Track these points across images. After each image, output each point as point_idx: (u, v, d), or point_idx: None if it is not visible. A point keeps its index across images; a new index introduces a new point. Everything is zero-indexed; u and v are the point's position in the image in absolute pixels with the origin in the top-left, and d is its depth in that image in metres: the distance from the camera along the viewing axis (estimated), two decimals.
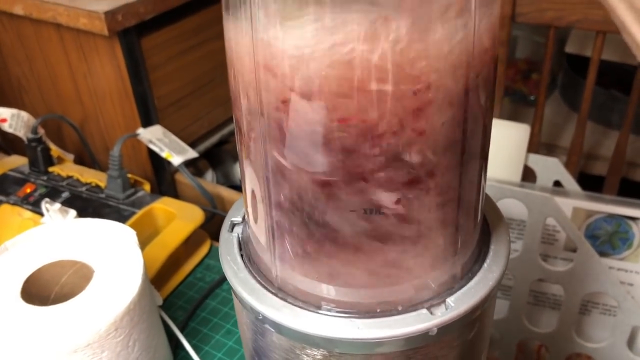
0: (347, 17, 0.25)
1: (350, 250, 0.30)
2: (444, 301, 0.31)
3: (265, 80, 0.28)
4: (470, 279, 0.32)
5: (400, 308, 0.31)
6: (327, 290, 0.31)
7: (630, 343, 0.74)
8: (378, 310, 0.31)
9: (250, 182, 0.33)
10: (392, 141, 0.27)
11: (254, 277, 0.34)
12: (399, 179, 0.28)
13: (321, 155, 0.28)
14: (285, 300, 0.32)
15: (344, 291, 0.31)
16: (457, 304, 0.31)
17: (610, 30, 0.93)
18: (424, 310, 0.30)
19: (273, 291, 0.33)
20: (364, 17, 0.25)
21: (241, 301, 0.34)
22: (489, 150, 0.33)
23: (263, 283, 0.34)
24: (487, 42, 0.28)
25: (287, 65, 0.27)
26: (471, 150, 0.30)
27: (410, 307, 0.31)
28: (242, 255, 0.35)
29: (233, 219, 0.37)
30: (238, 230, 0.37)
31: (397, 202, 0.29)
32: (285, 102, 0.27)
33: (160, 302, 0.56)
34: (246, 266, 0.34)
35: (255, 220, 0.34)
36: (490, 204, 0.36)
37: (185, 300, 0.64)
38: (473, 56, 0.27)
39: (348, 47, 0.25)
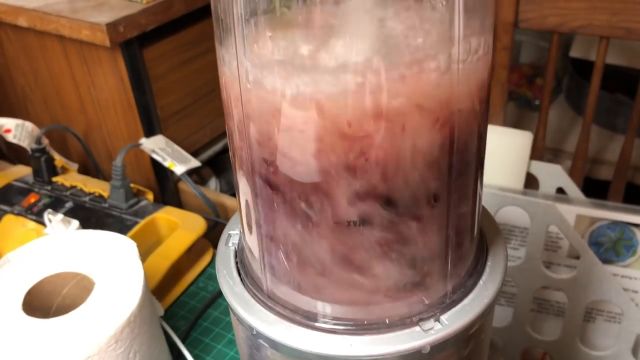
0: None
1: (338, 266, 0.30)
2: (438, 318, 0.31)
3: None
4: (465, 295, 0.31)
5: (393, 325, 0.31)
6: (320, 306, 0.31)
7: (635, 351, 0.74)
8: (371, 327, 0.31)
9: (244, 194, 0.33)
10: (381, 160, 0.27)
11: (249, 291, 0.34)
12: (386, 196, 0.28)
13: (309, 166, 0.28)
14: (279, 315, 0.32)
15: (336, 307, 0.31)
16: (451, 321, 0.31)
17: (613, 35, 0.93)
18: (417, 328, 0.30)
19: (268, 305, 0.33)
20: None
21: (237, 316, 0.34)
22: (484, 161, 0.33)
23: (258, 296, 0.34)
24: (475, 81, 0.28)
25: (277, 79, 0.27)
26: (465, 164, 0.30)
27: (404, 324, 0.31)
28: (238, 269, 0.36)
29: (230, 231, 0.37)
30: (234, 241, 0.37)
31: (386, 217, 0.29)
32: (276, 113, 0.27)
33: (161, 312, 0.57)
34: (242, 280, 0.35)
35: (250, 231, 0.34)
36: (487, 217, 0.36)
37: (187, 310, 0.65)
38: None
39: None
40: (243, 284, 0.35)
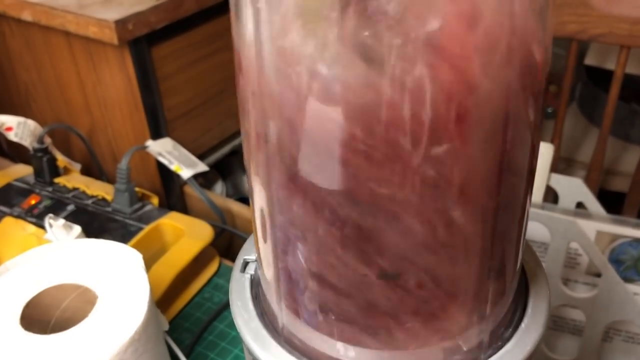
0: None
1: (364, 311, 0.27)
2: None
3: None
4: (508, 339, 0.28)
5: None
6: (343, 349, 0.28)
7: None
8: None
9: (259, 201, 0.30)
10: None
11: (265, 326, 0.31)
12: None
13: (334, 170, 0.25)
14: (295, 355, 0.29)
15: (359, 351, 0.28)
16: None
17: (634, 44, 0.90)
18: None
19: (283, 344, 0.30)
20: None
21: (251, 353, 0.31)
22: (533, 182, 0.30)
23: (273, 332, 0.31)
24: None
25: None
26: (515, 183, 0.27)
27: None
28: (253, 301, 0.33)
29: (246, 257, 0.34)
30: (250, 270, 0.34)
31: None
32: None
33: (166, 327, 0.54)
34: (257, 314, 0.31)
35: (265, 240, 0.31)
36: (529, 250, 0.33)
37: (192, 323, 0.62)
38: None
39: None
40: (259, 318, 0.32)
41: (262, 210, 0.29)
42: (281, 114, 0.25)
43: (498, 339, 0.29)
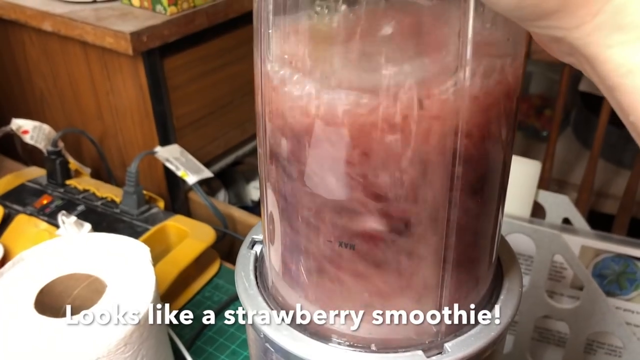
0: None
1: (355, 284, 0.31)
2: (442, 345, 0.31)
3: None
4: (475, 324, 0.32)
5: (399, 347, 0.31)
6: (332, 321, 0.32)
7: None
8: (375, 348, 0.31)
9: (270, 205, 0.34)
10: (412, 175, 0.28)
11: (263, 297, 0.35)
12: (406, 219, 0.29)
13: (337, 182, 0.29)
14: (290, 324, 0.33)
15: (347, 326, 0.32)
16: (454, 349, 0.31)
17: None
18: (419, 352, 0.31)
19: (279, 312, 0.34)
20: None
21: (247, 318, 0.35)
22: (506, 190, 0.34)
23: (270, 302, 0.35)
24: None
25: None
26: (489, 190, 0.31)
27: (410, 345, 0.31)
28: (255, 274, 0.36)
29: (254, 236, 0.38)
30: (257, 249, 0.38)
31: (406, 230, 0.29)
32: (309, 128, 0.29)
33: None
34: (257, 284, 0.35)
35: (272, 242, 0.35)
36: (506, 248, 0.36)
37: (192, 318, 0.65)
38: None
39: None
40: (257, 288, 0.36)
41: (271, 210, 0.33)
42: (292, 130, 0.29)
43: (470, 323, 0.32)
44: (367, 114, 0.27)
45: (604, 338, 0.79)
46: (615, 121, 1.11)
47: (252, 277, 0.36)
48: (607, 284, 0.76)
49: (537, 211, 0.82)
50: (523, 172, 0.78)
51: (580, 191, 1.05)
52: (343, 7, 0.27)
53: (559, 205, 0.79)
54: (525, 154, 1.38)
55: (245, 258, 0.37)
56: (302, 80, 0.28)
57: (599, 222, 1.01)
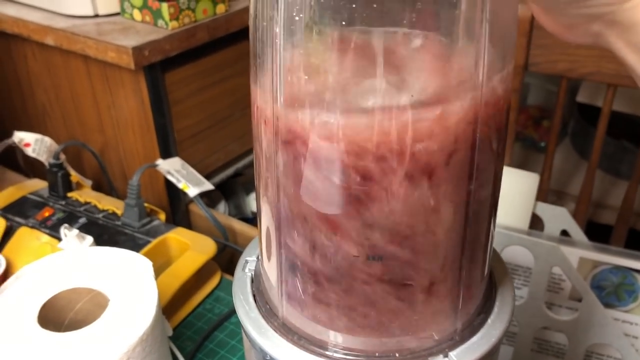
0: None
1: (353, 298, 0.31)
2: (446, 354, 0.32)
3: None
4: (474, 332, 0.33)
5: (402, 357, 0.32)
6: (332, 336, 0.32)
7: None
8: (380, 358, 0.32)
9: (266, 219, 0.34)
10: (406, 189, 0.29)
11: (264, 317, 0.35)
12: (406, 229, 0.30)
13: (333, 198, 0.29)
14: (293, 342, 0.34)
15: (348, 338, 0.32)
16: (459, 357, 0.32)
17: (621, 83, 0.95)
18: None
19: (282, 331, 0.34)
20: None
21: (250, 340, 0.35)
22: (497, 204, 0.34)
23: (272, 322, 0.35)
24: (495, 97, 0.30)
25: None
26: (480, 205, 0.31)
27: (413, 358, 0.32)
28: (254, 294, 0.37)
29: (247, 257, 0.39)
30: (251, 267, 0.38)
31: (403, 249, 0.30)
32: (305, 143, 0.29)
33: (170, 332, 0.58)
34: (257, 305, 0.36)
35: (268, 259, 0.35)
36: (497, 258, 0.37)
37: (193, 331, 0.66)
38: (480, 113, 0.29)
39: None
40: (258, 309, 0.36)
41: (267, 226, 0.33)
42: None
43: (468, 332, 0.33)
44: (363, 132, 0.28)
45: (602, 349, 0.79)
46: (613, 132, 1.11)
47: (251, 299, 0.36)
48: (606, 295, 0.77)
49: (535, 223, 0.82)
50: (521, 185, 0.79)
51: (579, 202, 1.06)
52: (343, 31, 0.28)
53: (557, 217, 0.80)
54: (523, 164, 1.39)
55: (242, 281, 0.38)
56: (298, 97, 0.29)
57: (597, 233, 1.02)
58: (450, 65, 0.28)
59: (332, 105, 0.28)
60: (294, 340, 0.33)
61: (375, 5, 0.27)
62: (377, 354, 0.32)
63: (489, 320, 0.33)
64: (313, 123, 0.28)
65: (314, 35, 0.28)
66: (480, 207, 0.31)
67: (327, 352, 0.33)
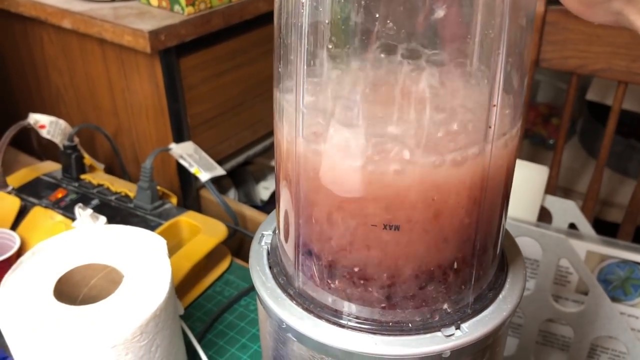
0: None
1: (369, 270, 0.32)
2: (459, 326, 0.33)
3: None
4: (486, 306, 0.33)
5: (416, 328, 0.33)
6: (347, 305, 0.33)
7: None
8: (394, 329, 0.33)
9: (284, 202, 0.35)
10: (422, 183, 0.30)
11: (280, 287, 0.36)
12: (424, 206, 0.30)
13: (351, 181, 0.30)
14: (309, 311, 0.34)
15: (363, 309, 0.33)
16: (471, 329, 0.32)
17: (632, 81, 0.95)
18: (439, 333, 0.32)
19: (298, 301, 0.35)
20: None
21: (266, 309, 0.36)
22: (510, 190, 0.35)
23: (289, 292, 0.36)
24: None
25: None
26: (493, 197, 0.32)
27: (426, 328, 0.33)
28: (270, 266, 0.38)
29: (264, 232, 0.40)
30: (267, 241, 0.39)
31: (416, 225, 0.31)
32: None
33: (182, 311, 0.58)
34: (273, 276, 0.37)
35: (286, 239, 0.36)
36: (510, 239, 0.38)
37: (203, 312, 0.66)
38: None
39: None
40: (275, 280, 0.37)
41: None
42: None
43: (480, 305, 0.34)
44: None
45: (608, 343, 0.79)
46: (622, 131, 1.12)
47: (267, 270, 0.37)
48: (612, 289, 0.77)
49: (544, 216, 0.83)
50: (530, 177, 0.80)
51: (586, 200, 1.06)
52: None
53: (565, 210, 0.80)
54: (532, 161, 1.39)
55: (258, 253, 0.38)
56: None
57: (604, 230, 1.02)
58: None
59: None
60: (310, 309, 0.34)
61: None
62: (390, 323, 0.33)
63: (501, 296, 0.34)
64: (334, 113, 0.29)
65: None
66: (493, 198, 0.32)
67: (342, 321, 0.33)
